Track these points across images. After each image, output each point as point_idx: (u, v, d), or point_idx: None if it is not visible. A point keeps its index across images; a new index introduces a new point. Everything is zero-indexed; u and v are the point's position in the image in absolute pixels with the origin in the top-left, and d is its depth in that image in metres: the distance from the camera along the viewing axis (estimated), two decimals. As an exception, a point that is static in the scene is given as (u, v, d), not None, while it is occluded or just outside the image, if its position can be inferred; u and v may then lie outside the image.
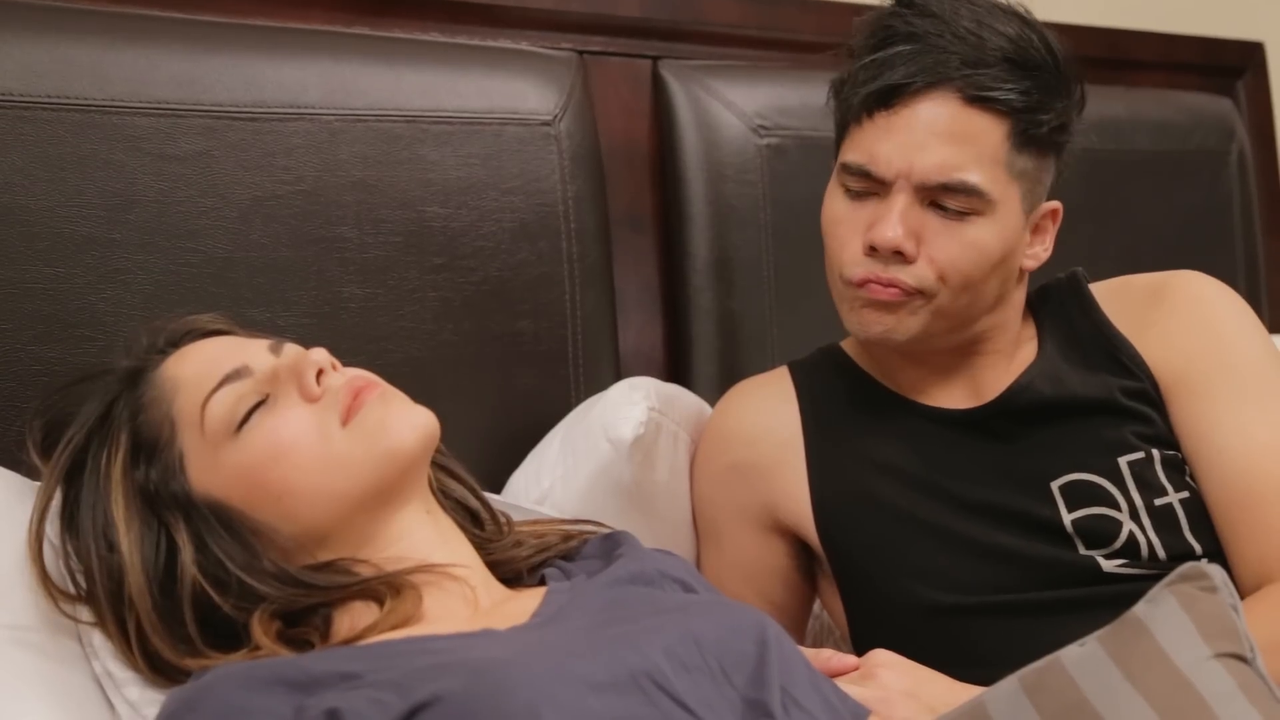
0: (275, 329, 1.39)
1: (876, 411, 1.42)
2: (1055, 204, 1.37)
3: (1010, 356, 1.40)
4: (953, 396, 1.39)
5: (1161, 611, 0.89)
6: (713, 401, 1.56)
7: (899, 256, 1.28)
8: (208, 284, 1.37)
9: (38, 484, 1.13)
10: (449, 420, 1.51)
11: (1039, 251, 1.37)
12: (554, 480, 1.47)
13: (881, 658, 1.16)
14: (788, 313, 1.83)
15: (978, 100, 1.26)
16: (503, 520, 1.21)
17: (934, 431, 1.38)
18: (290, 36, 1.51)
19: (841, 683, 1.07)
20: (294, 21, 1.56)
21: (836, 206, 1.34)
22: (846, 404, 1.43)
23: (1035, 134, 1.29)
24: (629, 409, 1.43)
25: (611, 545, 1.17)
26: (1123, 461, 1.32)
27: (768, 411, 1.46)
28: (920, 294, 1.29)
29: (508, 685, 0.86)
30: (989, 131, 1.27)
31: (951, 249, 1.28)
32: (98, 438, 1.10)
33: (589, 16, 1.77)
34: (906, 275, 1.28)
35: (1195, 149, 2.24)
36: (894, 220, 1.27)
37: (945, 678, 1.18)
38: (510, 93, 1.60)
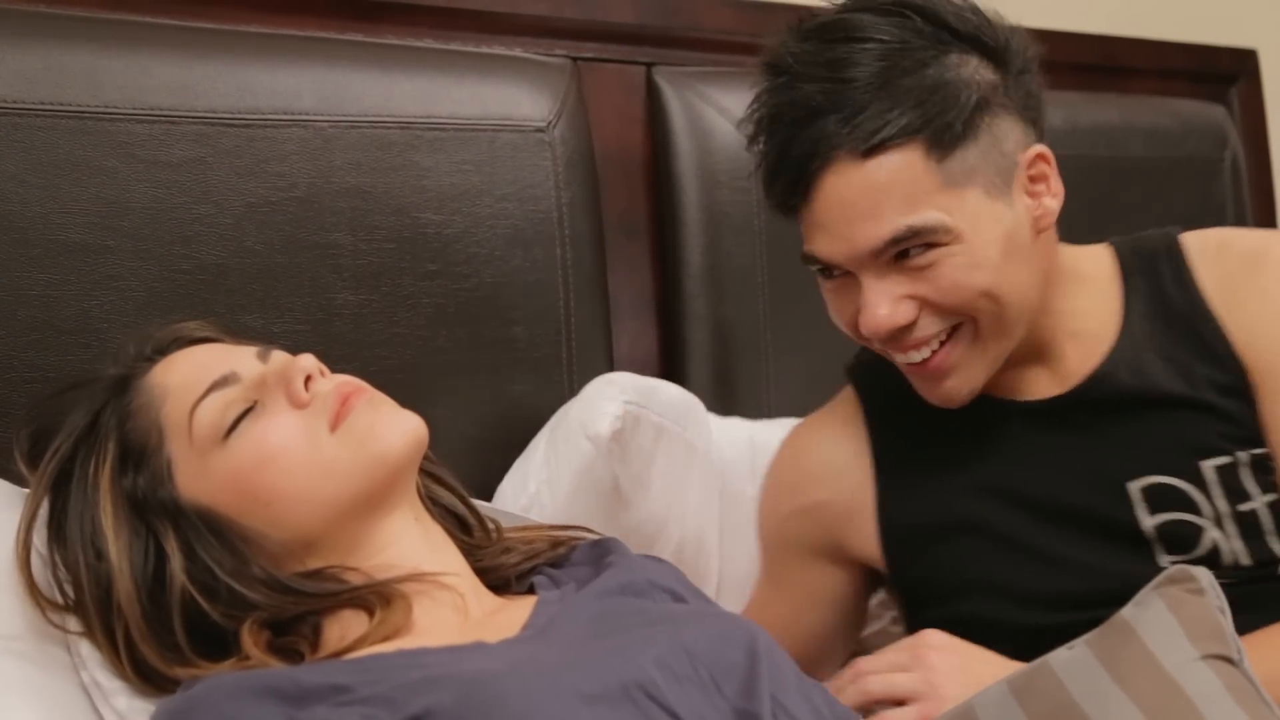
0: (269, 335, 1.39)
1: (947, 412, 1.32)
2: (1035, 150, 1.25)
3: (1092, 333, 1.31)
4: (1032, 384, 1.32)
5: (1149, 614, 0.89)
6: (707, 404, 1.56)
7: (903, 328, 1.22)
8: (201, 290, 1.37)
9: (27, 491, 1.13)
10: (442, 427, 1.51)
11: (1047, 201, 1.25)
12: (539, 484, 1.47)
13: (932, 639, 1.13)
14: (782, 319, 1.83)
15: (874, 149, 1.17)
16: (491, 527, 1.21)
17: (1009, 427, 1.31)
18: (284, 43, 1.51)
19: (889, 662, 1.06)
20: (288, 28, 1.56)
21: (826, 290, 1.29)
22: (915, 408, 1.33)
23: (952, 132, 1.18)
24: (604, 404, 1.44)
25: (601, 553, 1.16)
26: (1206, 466, 1.25)
27: (835, 449, 1.40)
28: (957, 327, 1.23)
29: (500, 698, 0.86)
30: (902, 167, 1.18)
31: (945, 280, 1.20)
32: (85, 446, 1.09)
33: (583, 23, 1.77)
34: (927, 327, 1.22)
35: (1188, 156, 2.24)
36: (874, 302, 1.20)
37: (996, 656, 1.16)
38: (504, 99, 1.60)
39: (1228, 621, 0.90)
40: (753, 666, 0.94)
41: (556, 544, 1.20)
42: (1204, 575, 0.92)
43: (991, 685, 0.91)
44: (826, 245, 1.22)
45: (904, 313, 1.20)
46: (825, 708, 0.97)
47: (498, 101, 1.60)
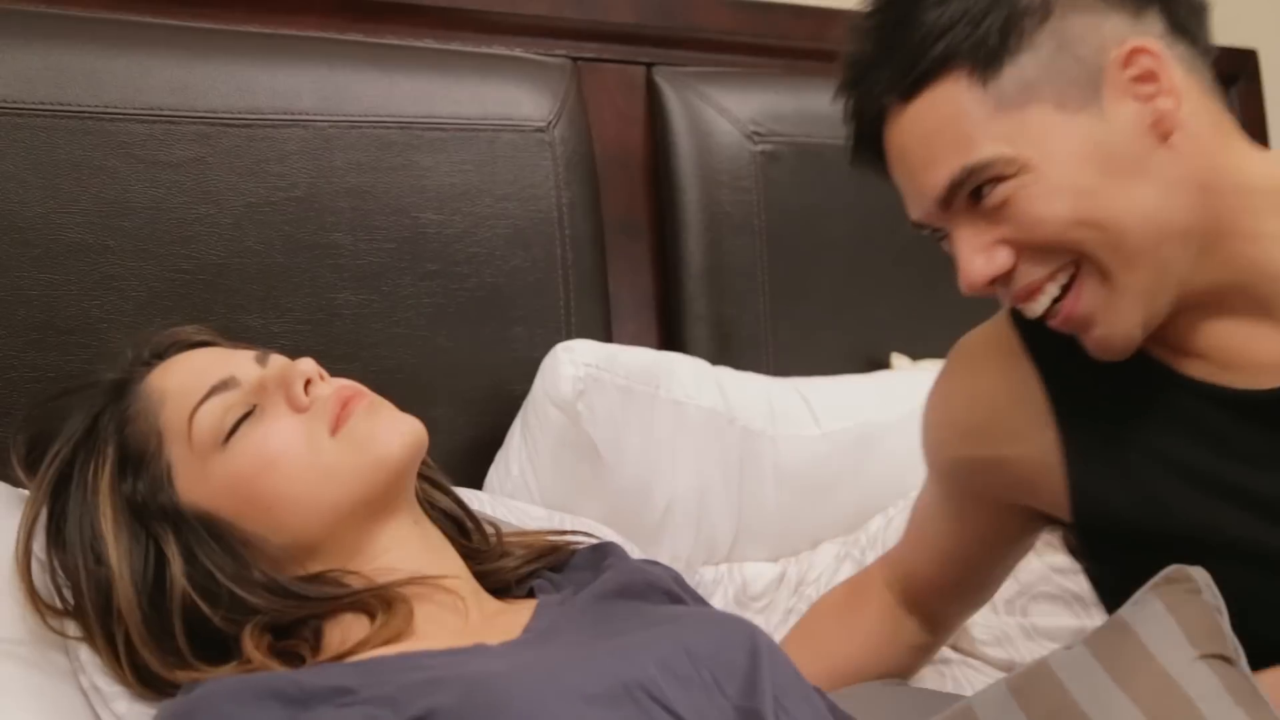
0: (269, 335, 1.40)
1: (1140, 386, 1.11)
2: (1130, 45, 1.02)
3: None
4: (1260, 348, 1.07)
5: (1147, 614, 0.89)
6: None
7: (1005, 276, 1.06)
8: (201, 290, 1.37)
9: (26, 492, 1.13)
10: (442, 426, 1.52)
11: (1161, 103, 1.02)
12: (521, 466, 1.50)
13: None
14: (782, 319, 1.84)
15: (913, 88, 1.05)
16: (490, 531, 1.21)
17: (1222, 414, 1.08)
18: (284, 43, 1.51)
19: None
20: (288, 28, 1.56)
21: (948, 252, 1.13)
22: (1098, 372, 1.11)
23: (989, 46, 1.03)
24: (562, 369, 1.48)
25: (599, 557, 1.16)
26: None
27: (1000, 394, 1.20)
28: (1071, 265, 1.04)
29: (502, 698, 0.86)
30: (947, 101, 1.04)
31: (1024, 216, 1.03)
32: (84, 451, 1.09)
33: (583, 23, 1.77)
34: (1032, 273, 1.05)
35: (1189, 155, 2.24)
36: (965, 256, 1.06)
37: None
38: (504, 99, 1.60)
39: (1225, 621, 0.90)
40: (754, 666, 0.94)
41: (555, 548, 1.20)
42: (1200, 575, 0.92)
43: (990, 686, 0.91)
44: (909, 206, 1.10)
45: (1000, 261, 1.05)
46: (825, 709, 0.97)
47: (498, 101, 1.60)
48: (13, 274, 1.27)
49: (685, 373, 1.59)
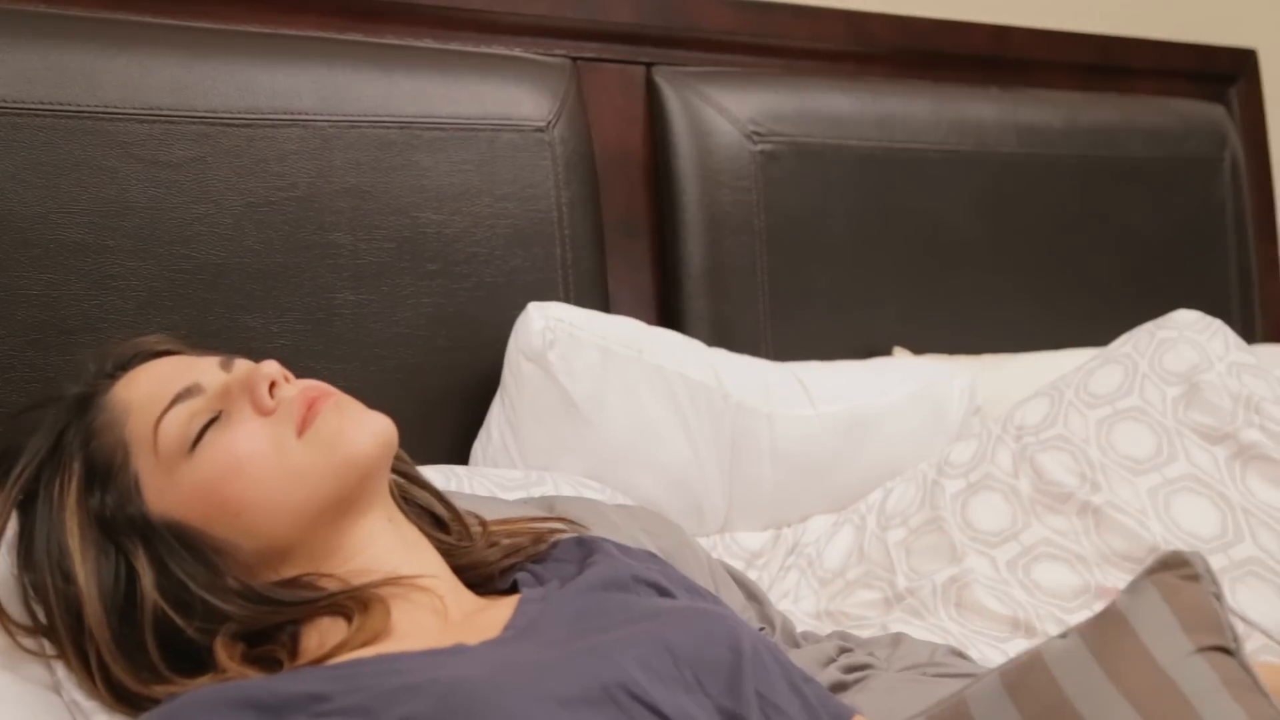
0: (269, 335, 1.40)
1: None
2: None
3: None
4: None
5: (1142, 603, 0.88)
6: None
7: None
8: (201, 290, 1.37)
9: None
10: (444, 426, 1.52)
11: None
12: (500, 429, 1.50)
13: None
14: (781, 318, 1.84)
15: None
16: (472, 522, 1.20)
17: None
18: (284, 43, 1.51)
19: None
20: (287, 28, 1.56)
21: None
22: None
23: None
24: (530, 324, 1.50)
25: (585, 551, 1.15)
26: None
27: None
28: None
29: (478, 705, 0.85)
30: None
31: None
32: (49, 468, 1.07)
33: (583, 23, 1.77)
34: None
35: (1188, 156, 2.24)
36: None
37: None
38: (504, 99, 1.60)
39: (1223, 608, 0.89)
40: (737, 664, 0.93)
41: (538, 539, 1.19)
42: (1199, 560, 0.90)
43: (984, 677, 0.90)
44: None
45: None
46: (817, 701, 0.96)
47: (498, 101, 1.60)
48: (13, 274, 1.27)
49: (674, 343, 1.59)
